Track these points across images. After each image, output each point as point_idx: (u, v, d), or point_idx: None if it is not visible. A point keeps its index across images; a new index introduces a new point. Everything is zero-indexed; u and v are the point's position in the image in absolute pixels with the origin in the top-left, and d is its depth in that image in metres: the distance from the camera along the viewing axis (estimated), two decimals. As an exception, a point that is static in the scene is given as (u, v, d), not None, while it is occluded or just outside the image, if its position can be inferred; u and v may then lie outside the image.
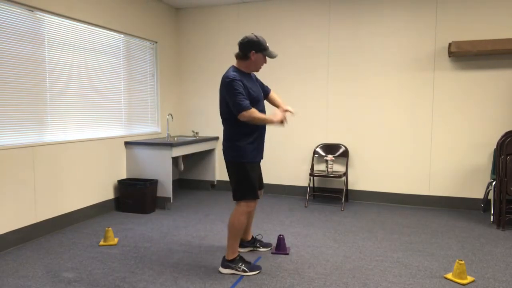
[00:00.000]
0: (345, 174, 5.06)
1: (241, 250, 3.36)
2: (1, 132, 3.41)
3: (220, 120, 5.83)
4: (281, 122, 2.86)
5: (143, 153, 4.81)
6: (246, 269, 2.94)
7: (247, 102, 2.80)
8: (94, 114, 4.45)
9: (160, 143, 4.72)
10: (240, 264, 2.95)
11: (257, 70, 3.03)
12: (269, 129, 5.54)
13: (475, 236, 3.82)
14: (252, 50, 2.89)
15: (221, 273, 2.96)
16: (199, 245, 3.56)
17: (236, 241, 2.98)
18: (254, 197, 2.97)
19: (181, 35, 5.97)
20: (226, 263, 2.97)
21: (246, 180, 2.94)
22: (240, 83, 2.82)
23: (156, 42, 5.49)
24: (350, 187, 5.26)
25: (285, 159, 5.54)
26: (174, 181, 5.92)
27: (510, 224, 4.20)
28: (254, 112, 2.80)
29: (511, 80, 4.58)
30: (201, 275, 2.94)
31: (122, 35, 4.86)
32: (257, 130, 2.96)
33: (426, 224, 4.23)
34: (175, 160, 5.65)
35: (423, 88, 4.88)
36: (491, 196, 4.43)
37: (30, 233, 3.65)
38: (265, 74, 5.52)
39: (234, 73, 2.86)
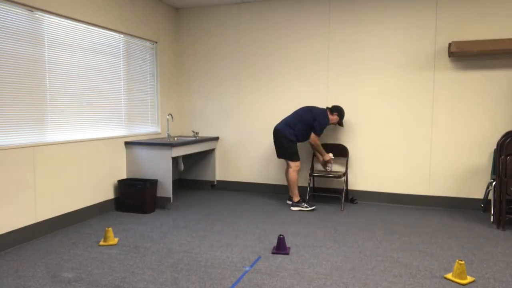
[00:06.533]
0: (345, 174, 5.06)
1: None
2: (1, 132, 3.41)
3: (220, 120, 5.85)
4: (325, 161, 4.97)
5: (143, 153, 4.81)
6: (308, 206, 4.72)
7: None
8: (94, 114, 4.45)
9: (160, 143, 4.72)
10: (303, 204, 4.74)
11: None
12: (268, 129, 5.55)
13: (475, 236, 3.83)
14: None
15: (292, 210, 4.71)
16: (199, 245, 3.56)
17: (295, 188, 4.81)
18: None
19: (181, 35, 5.97)
20: (294, 204, 4.77)
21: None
22: None
23: (156, 42, 5.49)
24: (350, 187, 5.26)
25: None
26: (174, 181, 5.92)
27: (510, 224, 4.21)
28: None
29: (511, 80, 4.58)
30: (201, 275, 2.94)
31: (122, 35, 4.87)
32: None
33: (426, 224, 4.23)
34: (175, 160, 5.65)
35: (423, 88, 4.88)
36: (491, 196, 4.43)
37: (30, 233, 3.65)
38: (265, 74, 5.53)
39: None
